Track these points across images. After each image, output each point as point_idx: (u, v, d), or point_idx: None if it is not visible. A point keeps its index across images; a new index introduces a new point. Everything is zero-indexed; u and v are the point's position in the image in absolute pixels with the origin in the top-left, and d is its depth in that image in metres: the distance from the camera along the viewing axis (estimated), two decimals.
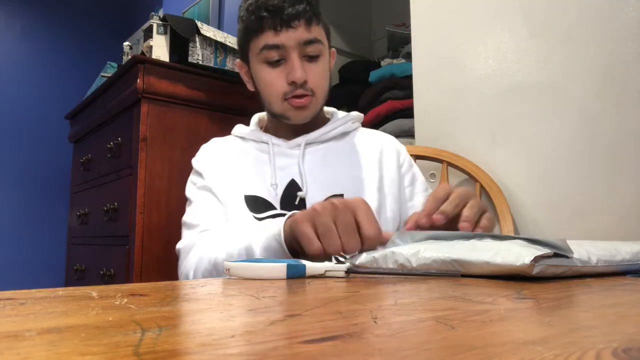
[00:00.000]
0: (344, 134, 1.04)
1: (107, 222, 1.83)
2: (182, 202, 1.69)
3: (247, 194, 0.95)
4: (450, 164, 1.27)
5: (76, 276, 2.11)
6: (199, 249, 0.87)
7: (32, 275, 3.26)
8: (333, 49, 1.04)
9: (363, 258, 0.59)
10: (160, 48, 1.76)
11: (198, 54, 1.76)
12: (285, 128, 1.01)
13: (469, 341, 0.21)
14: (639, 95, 1.00)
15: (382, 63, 1.99)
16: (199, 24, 1.74)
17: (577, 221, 1.07)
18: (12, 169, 3.32)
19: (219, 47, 1.82)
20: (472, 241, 0.55)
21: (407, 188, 1.03)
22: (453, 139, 1.33)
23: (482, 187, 1.20)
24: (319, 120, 1.04)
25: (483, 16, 1.28)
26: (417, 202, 1.01)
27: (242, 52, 1.00)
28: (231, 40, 1.83)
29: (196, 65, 1.77)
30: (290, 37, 0.90)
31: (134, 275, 1.58)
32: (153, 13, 1.88)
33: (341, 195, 0.95)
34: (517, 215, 1.18)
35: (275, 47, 0.90)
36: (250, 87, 1.03)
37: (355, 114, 1.08)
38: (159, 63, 1.72)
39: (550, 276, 0.47)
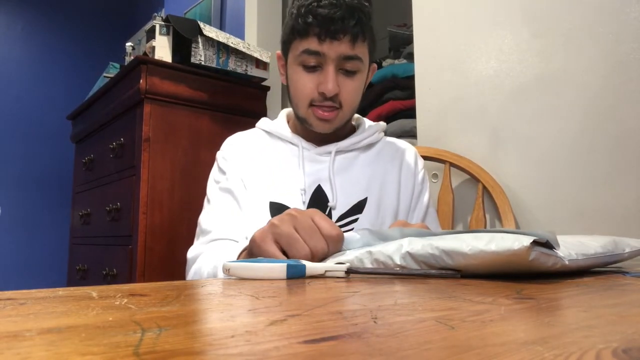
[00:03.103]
0: (371, 144, 1.04)
1: (110, 222, 1.83)
2: (184, 203, 1.70)
3: (273, 201, 0.94)
4: (452, 164, 1.27)
5: (78, 276, 2.11)
6: (200, 261, 0.88)
7: (34, 276, 3.27)
8: (374, 65, 1.02)
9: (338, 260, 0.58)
10: (162, 49, 1.77)
11: (200, 55, 1.76)
12: (314, 132, 0.99)
13: (469, 341, 0.21)
14: (639, 95, 1.00)
15: (384, 63, 1.99)
16: (201, 24, 1.75)
17: (579, 221, 1.07)
18: (14, 169, 3.33)
19: (222, 48, 1.82)
20: (455, 235, 0.53)
21: (413, 200, 1.03)
22: (455, 139, 1.33)
23: (484, 187, 1.20)
24: (348, 128, 1.03)
25: (484, 17, 1.28)
26: (416, 215, 1.02)
27: (284, 46, 0.98)
28: (233, 41, 1.83)
29: (198, 66, 1.77)
30: (333, 49, 0.88)
31: (137, 275, 1.58)
32: (155, 14, 1.88)
33: (365, 200, 0.96)
34: (519, 215, 1.18)
35: (315, 53, 0.89)
36: (283, 81, 1.02)
37: (381, 124, 1.08)
38: (161, 64, 1.72)
39: (540, 269, 0.46)
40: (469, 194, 1.29)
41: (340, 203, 0.95)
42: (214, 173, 1.03)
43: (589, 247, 0.54)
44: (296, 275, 0.51)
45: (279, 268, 0.50)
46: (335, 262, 0.57)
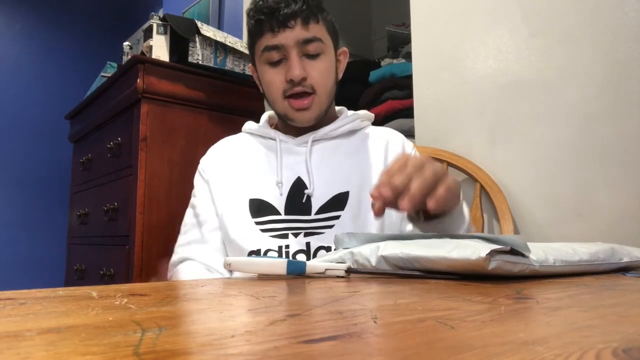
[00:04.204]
0: (352, 132, 1.03)
1: (107, 222, 1.83)
2: (182, 202, 1.69)
3: (252, 197, 0.94)
4: (450, 164, 1.27)
5: (76, 276, 2.11)
6: None
7: (32, 275, 3.26)
8: (344, 49, 1.03)
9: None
10: (160, 48, 1.76)
11: (198, 54, 1.76)
12: (293, 125, 1.00)
13: (469, 341, 0.21)
14: (639, 95, 1.00)
15: (382, 63, 1.99)
16: (198, 24, 1.74)
17: (577, 221, 1.07)
18: (12, 169, 3.32)
19: (219, 47, 1.82)
20: (432, 240, 0.55)
21: None
22: (453, 138, 1.33)
23: (482, 187, 1.20)
24: (328, 118, 1.03)
25: (483, 16, 1.28)
26: None
27: (251, 56, 1.01)
28: (231, 40, 1.83)
29: (196, 65, 1.77)
30: (288, 36, 0.90)
31: (134, 275, 1.58)
32: (153, 13, 1.88)
33: (347, 193, 0.94)
34: (517, 216, 1.18)
35: (275, 47, 0.91)
36: (261, 90, 1.03)
37: (364, 112, 1.07)
38: (158, 63, 1.72)
39: (507, 274, 0.47)
40: (467, 194, 1.29)
41: (320, 193, 0.93)
42: (192, 194, 1.06)
43: (574, 254, 0.53)
44: (296, 271, 0.51)
45: (279, 264, 0.50)
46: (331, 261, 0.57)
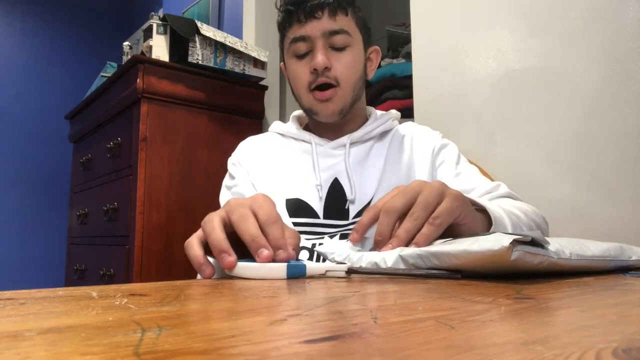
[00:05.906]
0: (385, 133, 1.02)
1: (107, 222, 1.83)
2: (182, 202, 1.69)
3: (289, 197, 0.93)
4: None
5: (76, 276, 2.11)
6: None
7: (32, 275, 3.25)
8: (376, 47, 1.03)
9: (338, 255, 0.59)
10: (160, 48, 1.76)
11: (198, 54, 1.76)
12: (326, 127, 0.99)
13: (469, 341, 0.21)
14: (639, 95, 1.00)
15: (382, 63, 1.99)
16: (198, 23, 1.74)
17: (578, 221, 1.07)
18: (12, 169, 3.32)
19: (219, 47, 1.82)
20: (449, 239, 0.57)
21: (437, 169, 0.99)
22: (453, 139, 1.32)
23: None
24: (361, 119, 1.02)
25: (483, 16, 1.28)
26: (439, 175, 0.98)
27: (281, 51, 1.01)
28: (231, 40, 1.83)
29: (196, 65, 1.77)
30: (315, 27, 0.91)
31: (133, 275, 1.58)
32: (153, 13, 1.88)
33: (373, 201, 0.92)
34: None
35: (302, 38, 0.92)
36: (290, 87, 1.02)
37: (394, 112, 1.07)
38: (158, 63, 1.72)
39: (526, 268, 0.46)
40: None
41: (358, 198, 0.92)
42: (225, 180, 1.04)
43: (587, 249, 0.54)
44: (296, 275, 0.51)
45: (279, 268, 0.50)
46: (337, 262, 0.57)
